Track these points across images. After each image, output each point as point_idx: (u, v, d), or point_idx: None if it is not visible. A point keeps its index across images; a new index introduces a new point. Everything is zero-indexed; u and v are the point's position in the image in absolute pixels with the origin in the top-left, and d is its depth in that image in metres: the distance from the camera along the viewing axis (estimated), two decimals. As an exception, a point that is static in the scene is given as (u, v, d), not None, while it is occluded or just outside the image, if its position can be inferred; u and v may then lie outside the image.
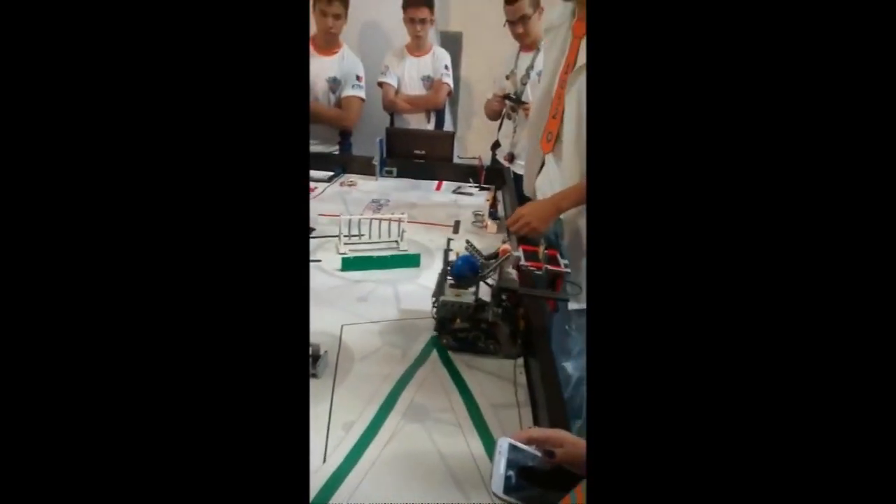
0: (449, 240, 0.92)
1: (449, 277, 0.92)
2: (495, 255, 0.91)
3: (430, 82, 2.29)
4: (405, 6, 2.16)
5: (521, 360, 0.87)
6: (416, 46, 2.26)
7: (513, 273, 0.88)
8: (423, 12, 2.14)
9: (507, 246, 0.92)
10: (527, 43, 2.00)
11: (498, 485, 0.45)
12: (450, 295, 0.87)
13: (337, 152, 2.23)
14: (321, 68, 2.12)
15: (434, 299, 0.90)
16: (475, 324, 0.86)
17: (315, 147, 2.20)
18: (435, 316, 0.88)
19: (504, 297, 0.87)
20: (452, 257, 0.95)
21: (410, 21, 2.17)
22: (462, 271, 0.88)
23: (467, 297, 0.87)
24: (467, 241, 0.93)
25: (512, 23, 1.95)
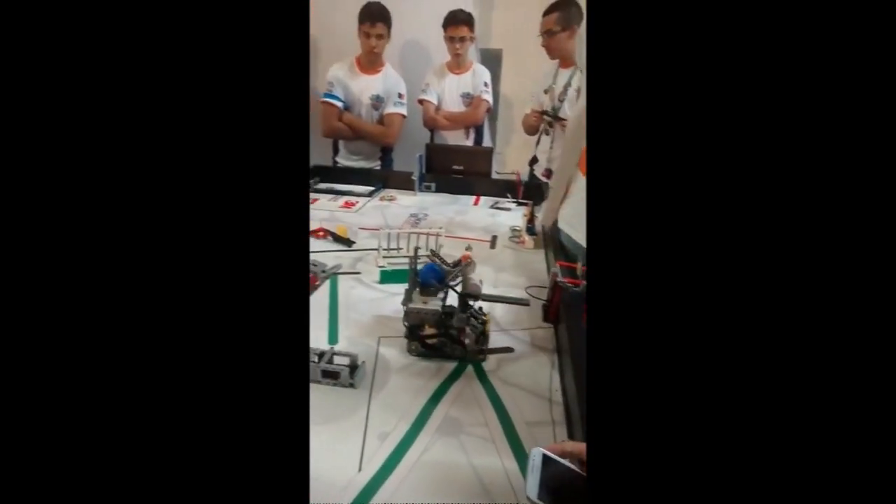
0: (416, 248, 0.92)
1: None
2: (459, 263, 0.91)
3: (470, 99, 2.31)
4: (445, 25, 2.21)
5: (557, 379, 0.86)
6: (457, 64, 2.29)
7: (475, 279, 0.88)
8: (463, 31, 2.18)
9: (468, 253, 0.91)
10: (552, 57, 2.01)
11: (532, 491, 0.45)
12: (417, 302, 0.88)
13: (378, 167, 2.28)
14: (365, 86, 2.18)
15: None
16: (445, 330, 0.87)
17: (358, 162, 2.27)
18: (405, 324, 0.89)
19: (471, 303, 0.88)
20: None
21: (450, 39, 2.21)
22: (427, 279, 0.89)
23: (434, 303, 0.88)
24: (431, 251, 0.93)
25: (542, 35, 1.96)
